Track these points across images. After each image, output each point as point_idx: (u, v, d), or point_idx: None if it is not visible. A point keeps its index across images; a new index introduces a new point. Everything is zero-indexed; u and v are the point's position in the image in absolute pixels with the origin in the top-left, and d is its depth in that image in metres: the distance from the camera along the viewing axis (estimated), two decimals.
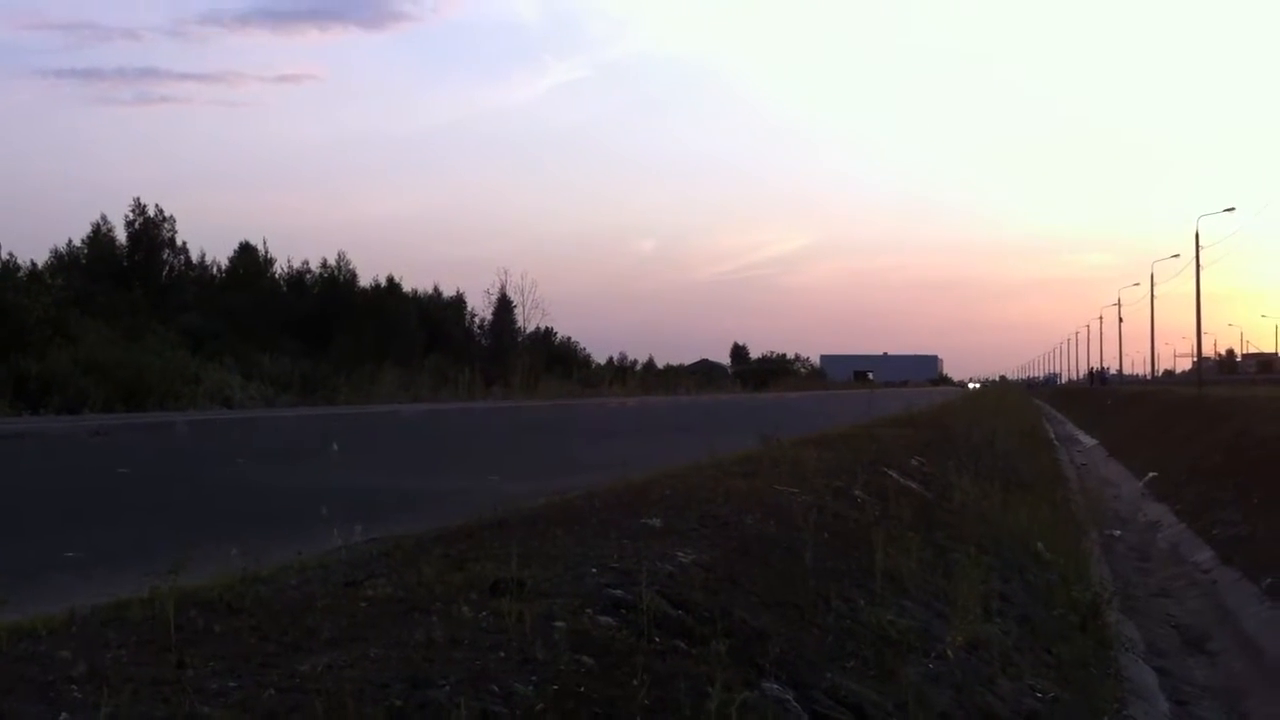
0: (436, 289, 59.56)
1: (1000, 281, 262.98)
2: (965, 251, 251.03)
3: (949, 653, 6.08)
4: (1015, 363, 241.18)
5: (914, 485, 12.73)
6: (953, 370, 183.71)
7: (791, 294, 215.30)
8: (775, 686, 4.50)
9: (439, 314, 57.04)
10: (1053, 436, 40.72)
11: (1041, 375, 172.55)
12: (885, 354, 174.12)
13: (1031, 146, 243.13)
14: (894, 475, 12.72)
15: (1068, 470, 27.24)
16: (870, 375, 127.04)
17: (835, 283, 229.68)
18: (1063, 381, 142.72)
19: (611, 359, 77.40)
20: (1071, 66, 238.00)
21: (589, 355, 72.53)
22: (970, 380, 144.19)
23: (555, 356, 62.14)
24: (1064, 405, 73.50)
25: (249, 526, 7.44)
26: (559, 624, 4.41)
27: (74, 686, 3.47)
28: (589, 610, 4.67)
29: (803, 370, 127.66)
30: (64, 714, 3.22)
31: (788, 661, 4.86)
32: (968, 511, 11.61)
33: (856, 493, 10.34)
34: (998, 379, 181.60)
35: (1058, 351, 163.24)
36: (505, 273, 70.99)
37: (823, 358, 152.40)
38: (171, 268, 46.75)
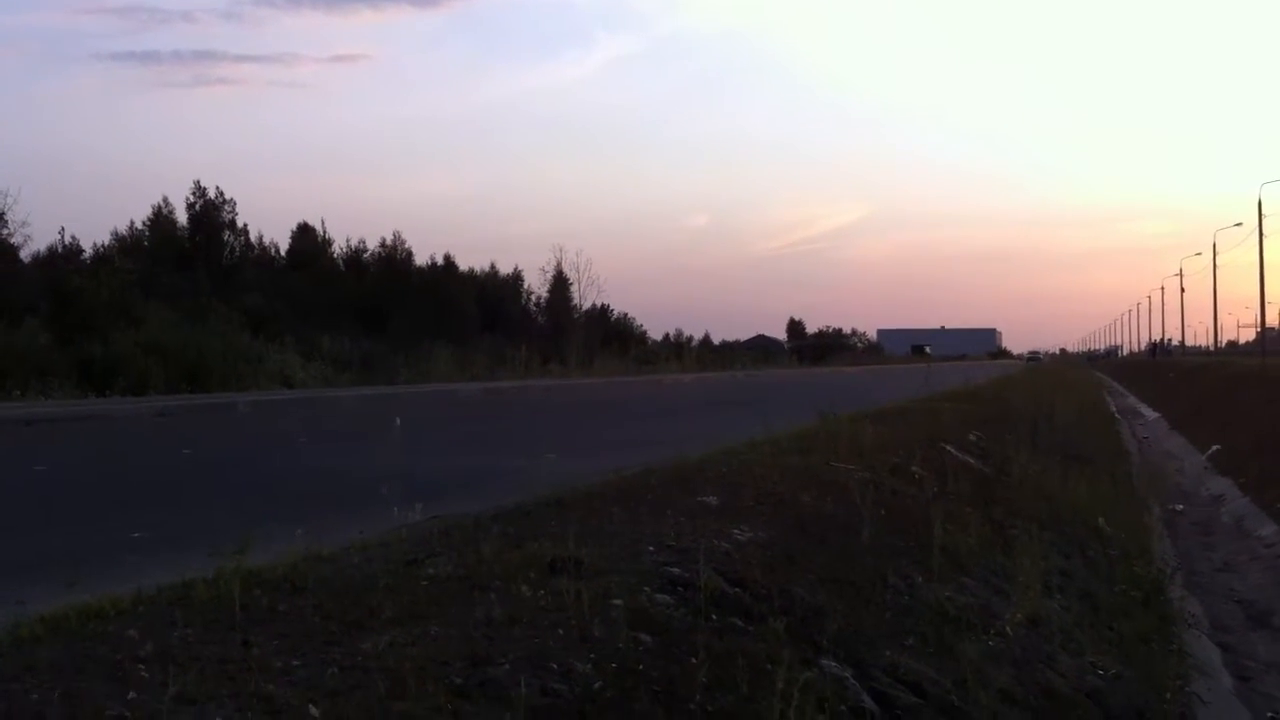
0: (493, 267, 59.83)
1: (1059, 253, 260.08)
2: (1023, 223, 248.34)
3: (1009, 630, 6.06)
4: (1075, 335, 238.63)
5: (972, 461, 12.65)
6: (1012, 343, 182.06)
7: (847, 268, 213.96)
8: (834, 664, 4.50)
9: (496, 292, 57.28)
10: (1114, 410, 40.24)
11: (1102, 348, 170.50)
12: (943, 328, 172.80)
13: (1091, 115, 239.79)
14: (952, 451, 12.64)
15: (1129, 444, 26.93)
16: (928, 349, 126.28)
17: (891, 256, 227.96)
18: (1124, 354, 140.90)
19: (667, 335, 77.39)
20: (1132, 33, 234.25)
21: (645, 332, 72.55)
22: (1029, 354, 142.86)
23: (611, 333, 62.19)
24: (1125, 378, 72.60)
25: (311, 506, 7.54)
26: (616, 602, 4.43)
27: (141, 666, 3.53)
28: (646, 588, 4.69)
29: (859, 345, 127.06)
30: (132, 693, 3.27)
31: (846, 639, 4.86)
32: (1027, 487, 11.52)
33: (914, 469, 10.29)
34: (1057, 352, 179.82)
35: (1118, 324, 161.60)
36: (561, 250, 70.91)
37: (879, 332, 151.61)
38: (232, 249, 47.25)
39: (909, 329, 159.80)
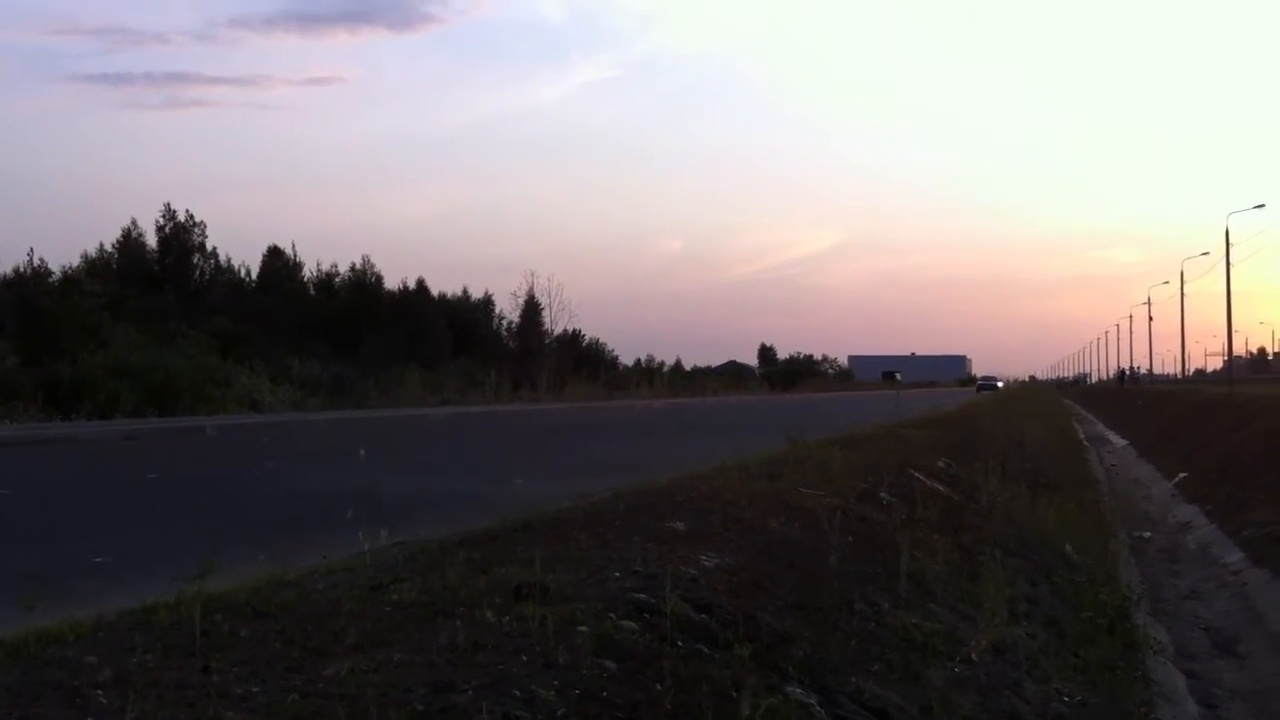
0: (465, 291, 59.77)
1: (1030, 280, 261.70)
2: (994, 250, 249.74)
3: (974, 656, 6.06)
4: (1046, 362, 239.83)
5: (940, 487, 12.68)
6: (982, 370, 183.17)
7: (820, 294, 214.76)
8: (799, 690, 4.49)
9: (467, 316, 57.20)
10: (1082, 437, 40.47)
11: (1071, 375, 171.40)
12: (913, 354, 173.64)
13: (1061, 143, 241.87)
14: (920, 477, 12.67)
15: (1097, 471, 27.06)
16: (898, 376, 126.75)
17: (864, 282, 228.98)
18: (1093, 381, 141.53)
19: (639, 360, 77.45)
20: (1101, 62, 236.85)
21: (616, 357, 72.59)
22: (982, 380, 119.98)
23: (583, 358, 62.21)
24: (1094, 405, 73.06)
25: (277, 530, 7.49)
26: (582, 628, 4.41)
27: (100, 691, 3.49)
28: (612, 614, 4.67)
29: (830, 371, 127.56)
30: (90, 719, 3.24)
31: (812, 665, 4.85)
32: (995, 513, 11.55)
33: (882, 495, 10.31)
34: (1027, 379, 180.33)
35: (1088, 351, 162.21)
36: (533, 274, 71.08)
37: (850, 358, 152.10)
38: (202, 272, 47.07)
39: (880, 355, 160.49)
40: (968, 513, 11.35)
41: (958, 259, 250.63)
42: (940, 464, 14.77)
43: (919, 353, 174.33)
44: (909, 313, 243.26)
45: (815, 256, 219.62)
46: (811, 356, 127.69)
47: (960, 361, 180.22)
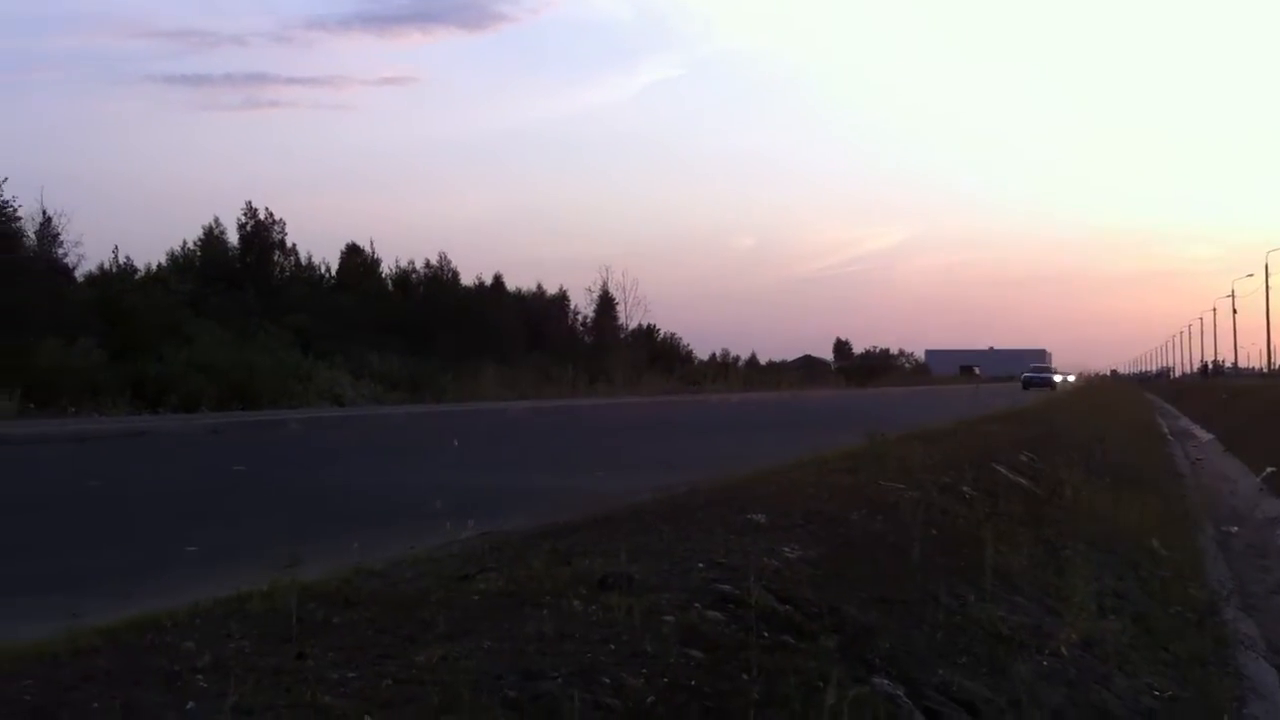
0: (539, 287, 60.04)
1: (1110, 274, 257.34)
2: (1073, 244, 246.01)
3: (1062, 650, 6.00)
4: (1127, 357, 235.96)
5: (1023, 481, 12.54)
6: (1062, 364, 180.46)
7: (894, 289, 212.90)
8: (886, 682, 4.48)
9: (541, 312, 57.47)
10: (1166, 431, 39.79)
11: (1154, 369, 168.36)
12: (991, 348, 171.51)
13: (1140, 137, 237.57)
14: (1003, 471, 12.55)
15: (1182, 465, 26.61)
16: (976, 370, 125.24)
17: (940, 277, 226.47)
18: (1175, 375, 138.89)
19: (713, 355, 77.30)
20: (1180, 56, 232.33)
21: (691, 352, 72.52)
22: (1030, 372, 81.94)
23: (657, 353, 62.25)
24: (1176, 399, 71.76)
25: (362, 521, 7.59)
26: (667, 618, 4.43)
27: (199, 676, 3.57)
28: (697, 605, 4.69)
29: (907, 365, 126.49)
30: (191, 703, 3.31)
31: (897, 658, 4.84)
32: (1079, 507, 11.41)
33: (964, 489, 10.23)
34: (1108, 373, 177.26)
35: (1170, 345, 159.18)
36: (606, 270, 71.13)
37: (928, 353, 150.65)
38: (282, 269, 47.71)
39: (957, 349, 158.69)
40: (1051, 507, 11.22)
41: (1035, 254, 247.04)
42: (1023, 458, 14.62)
43: (997, 347, 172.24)
44: (986, 307, 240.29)
45: (888, 251, 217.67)
46: (887, 351, 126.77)
47: (1040, 355, 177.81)
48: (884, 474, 9.77)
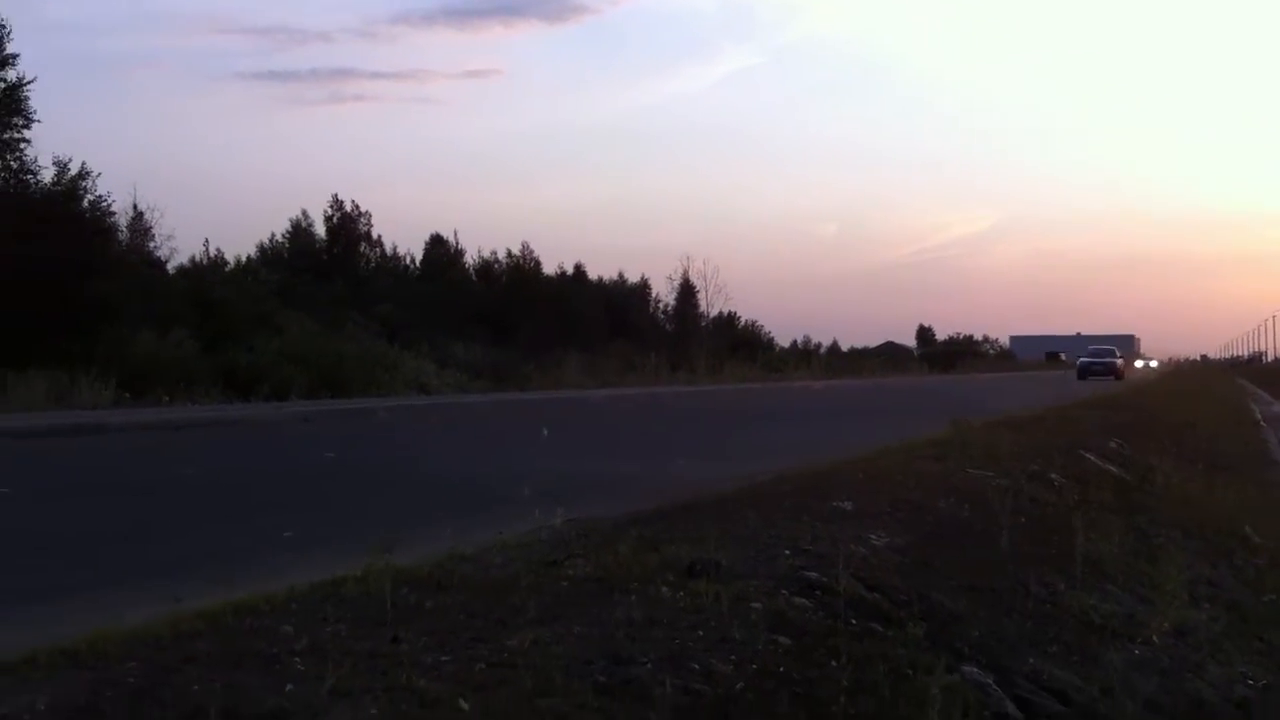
0: (621, 276, 60.17)
1: (1199, 258, 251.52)
2: (1160, 228, 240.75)
3: (1155, 639, 5.92)
4: (1218, 341, 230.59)
5: (1112, 468, 12.37)
6: (1152, 350, 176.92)
7: (978, 275, 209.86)
8: (976, 671, 4.46)
9: (623, 300, 57.60)
10: (1259, 417, 38.91)
11: (1245, 354, 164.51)
12: (1078, 334, 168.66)
13: (1228, 119, 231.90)
14: (1091, 458, 12.39)
15: (1276, 452, 26.03)
16: (1063, 356, 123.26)
17: (1023, 262, 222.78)
18: (1268, 360, 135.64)
19: (795, 342, 76.97)
20: (1268, 34, 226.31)
21: (773, 339, 72.21)
22: (1088, 357, 60.99)
23: (739, 341, 62.11)
24: (1269, 384, 70.13)
25: (451, 507, 7.69)
26: (755, 605, 4.45)
27: (297, 659, 3.64)
28: (784, 592, 4.70)
29: (991, 352, 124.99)
30: (289, 685, 3.38)
31: (987, 646, 4.81)
32: (1170, 495, 11.22)
33: (1053, 476, 10.12)
34: (1199, 358, 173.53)
35: (1262, 329, 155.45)
36: (688, 258, 71.23)
37: (1012, 339, 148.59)
38: (368, 260, 48.30)
39: (1043, 335, 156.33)
40: (1141, 494, 11.06)
41: (1121, 238, 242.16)
42: (1112, 445, 14.41)
43: (1084, 332, 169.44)
44: (1072, 292, 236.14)
45: (971, 237, 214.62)
46: (971, 337, 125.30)
47: (1128, 341, 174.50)
48: (970, 461, 9.70)
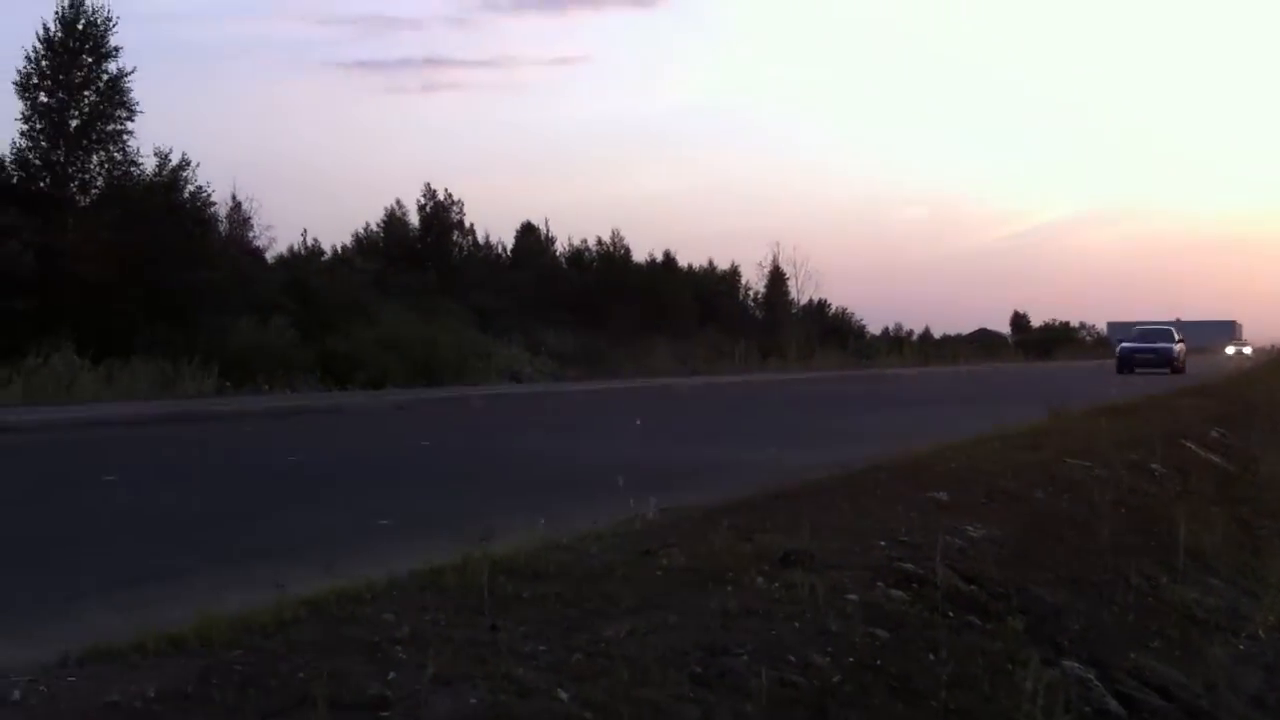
0: (710, 263, 60.07)
1: None
2: (1269, 211, 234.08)
3: (1260, 633, 5.80)
4: None
5: (1215, 458, 12.12)
6: (1255, 336, 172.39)
7: (1073, 259, 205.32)
8: (1076, 665, 4.41)
9: (713, 288, 57.49)
10: None
11: None
12: (1178, 320, 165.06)
13: None
14: (1193, 447, 12.14)
15: None
16: None
17: (1120, 246, 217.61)
18: None
19: (887, 329, 76.21)
20: None
21: (864, 326, 71.58)
22: (1131, 339, 45.56)
23: (830, 328, 61.69)
24: None
25: (545, 496, 7.74)
26: (850, 596, 4.44)
27: (398, 647, 3.70)
28: (880, 583, 4.68)
29: (1088, 338, 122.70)
30: (392, 673, 3.43)
31: (1087, 640, 4.75)
32: (1274, 485, 10.97)
33: (1153, 466, 9.94)
34: None
35: None
36: (778, 244, 70.76)
37: (1109, 325, 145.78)
38: (460, 248, 48.71)
39: (1141, 321, 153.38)
40: (1245, 485, 10.83)
41: (1228, 222, 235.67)
42: (1213, 434, 14.11)
43: (1185, 318, 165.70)
44: (1171, 277, 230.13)
45: (1066, 221, 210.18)
46: (1067, 323, 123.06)
47: (1228, 327, 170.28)
48: (1068, 451, 9.56)
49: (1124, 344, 43.71)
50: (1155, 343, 42.96)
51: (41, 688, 3.29)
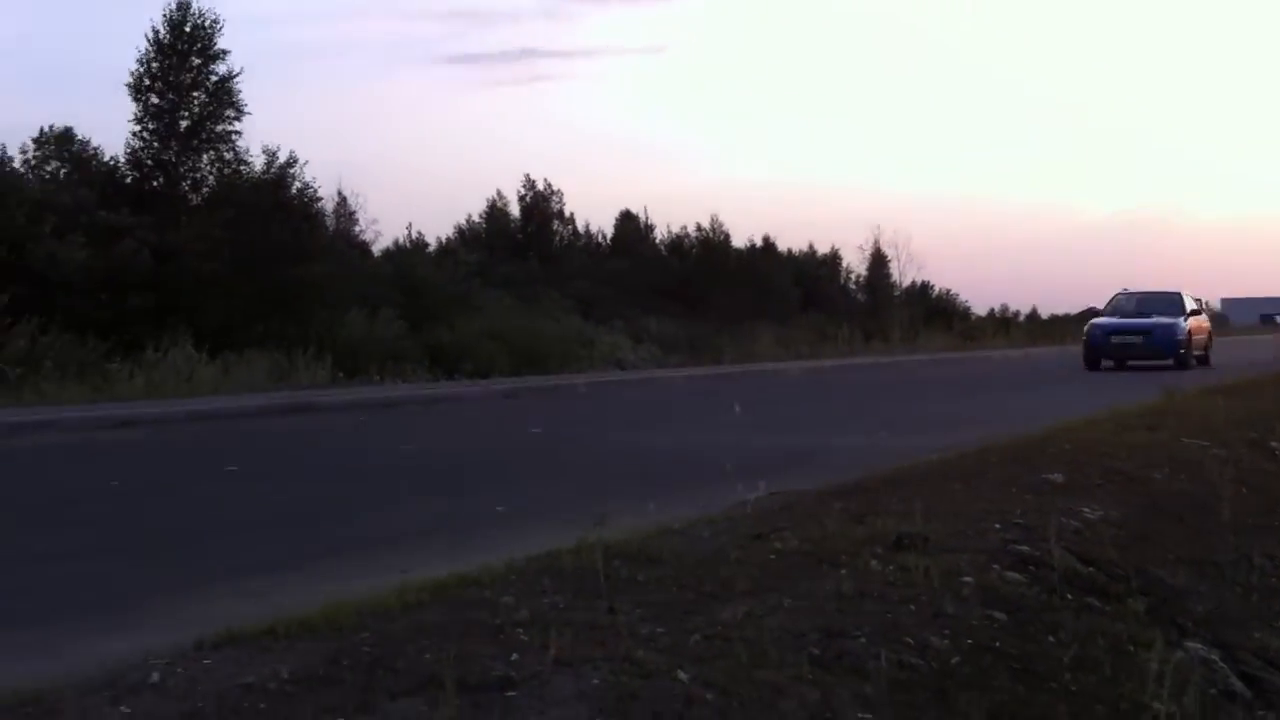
0: (811, 247, 59.73)
1: None
2: None
3: None
4: None
5: None
6: None
7: (1185, 234, 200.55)
8: (1199, 646, 4.35)
9: (814, 272, 57.16)
10: None
11: None
12: None
13: None
14: None
15: None
16: (1278, 318, 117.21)
17: (1232, 220, 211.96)
18: None
19: (992, 310, 75.07)
20: None
21: (969, 307, 70.57)
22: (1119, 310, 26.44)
23: (934, 310, 60.90)
24: None
25: (654, 481, 7.80)
26: (966, 579, 4.42)
27: (519, 630, 3.78)
28: (995, 566, 4.66)
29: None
30: (515, 655, 3.51)
31: (1210, 621, 4.68)
32: None
33: (1274, 445, 9.71)
34: None
35: None
36: (878, 228, 70.01)
37: (1223, 301, 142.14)
38: (560, 237, 49.06)
39: (1258, 298, 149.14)
40: None
41: None
42: None
43: None
44: None
45: (1179, 194, 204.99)
46: None
47: None
48: (1185, 430, 9.37)
49: (1096, 321, 26.52)
50: (1147, 316, 25.30)
51: (179, 670, 3.43)
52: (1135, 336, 24.59)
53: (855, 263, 60.72)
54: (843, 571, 4.49)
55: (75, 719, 3.03)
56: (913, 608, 4.07)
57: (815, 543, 5.03)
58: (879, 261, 59.41)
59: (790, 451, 9.89)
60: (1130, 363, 24.74)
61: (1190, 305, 26.31)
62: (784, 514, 5.82)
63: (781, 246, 56.49)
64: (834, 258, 60.62)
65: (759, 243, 54.99)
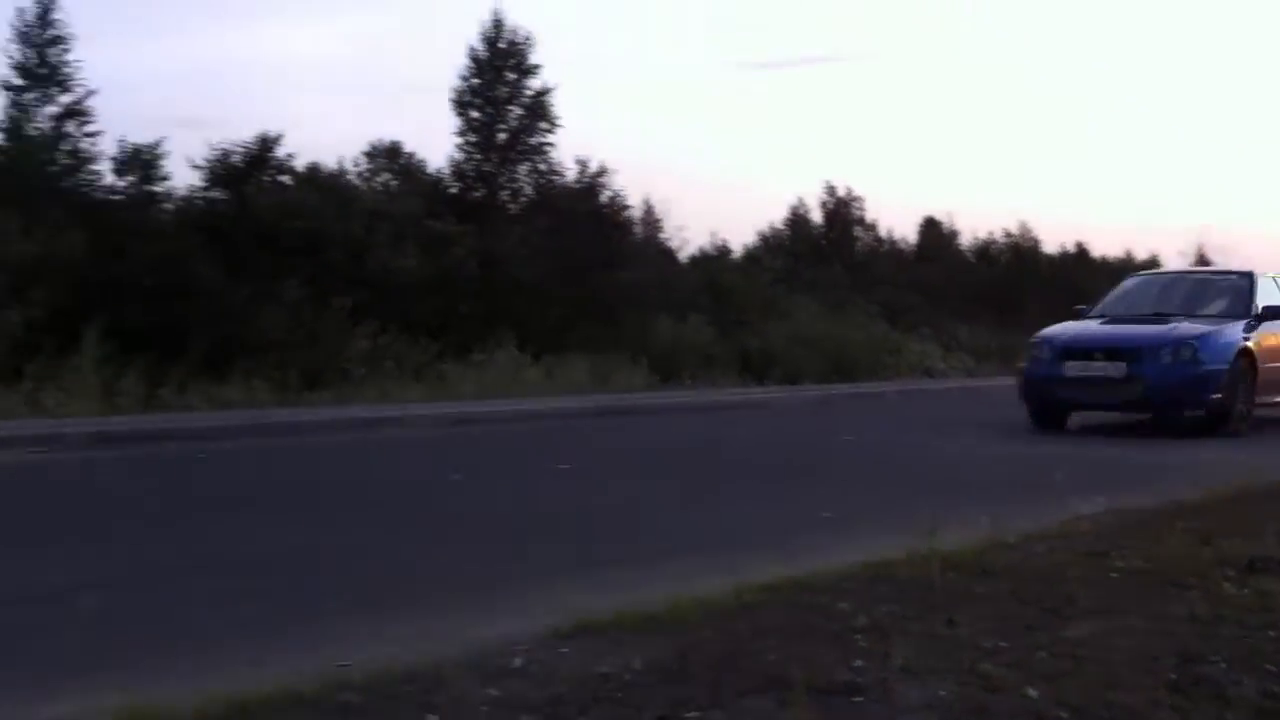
0: (1128, 254, 57.06)
1: None
2: None
3: None
4: None
5: None
6: None
7: None
8: None
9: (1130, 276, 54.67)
10: None
11: None
12: None
13: None
14: None
15: None
16: None
17: None
18: None
19: None
20: None
21: None
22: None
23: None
24: None
25: (977, 492, 7.66)
26: None
27: (858, 636, 3.82)
28: None
29: None
30: (858, 661, 3.55)
31: None
32: None
33: None
34: None
35: None
36: (1199, 230, 66.14)
37: None
38: (863, 243, 48.64)
39: None
40: None
41: None
42: None
43: None
44: None
45: None
46: None
47: None
48: None
49: (1045, 335, 13.30)
50: (1148, 325, 12.88)
51: (540, 656, 3.64)
52: (1095, 367, 12.38)
53: (1176, 268, 57.74)
54: (1193, 594, 4.33)
55: (453, 696, 3.26)
56: (1272, 634, 3.89)
57: (1159, 562, 4.86)
58: (1203, 266, 56.26)
59: (1126, 463, 9.54)
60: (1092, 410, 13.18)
61: (1257, 305, 13.66)
62: (1120, 532, 5.64)
63: (1095, 253, 54.29)
64: (1152, 264, 57.73)
65: (1071, 248, 53.01)
